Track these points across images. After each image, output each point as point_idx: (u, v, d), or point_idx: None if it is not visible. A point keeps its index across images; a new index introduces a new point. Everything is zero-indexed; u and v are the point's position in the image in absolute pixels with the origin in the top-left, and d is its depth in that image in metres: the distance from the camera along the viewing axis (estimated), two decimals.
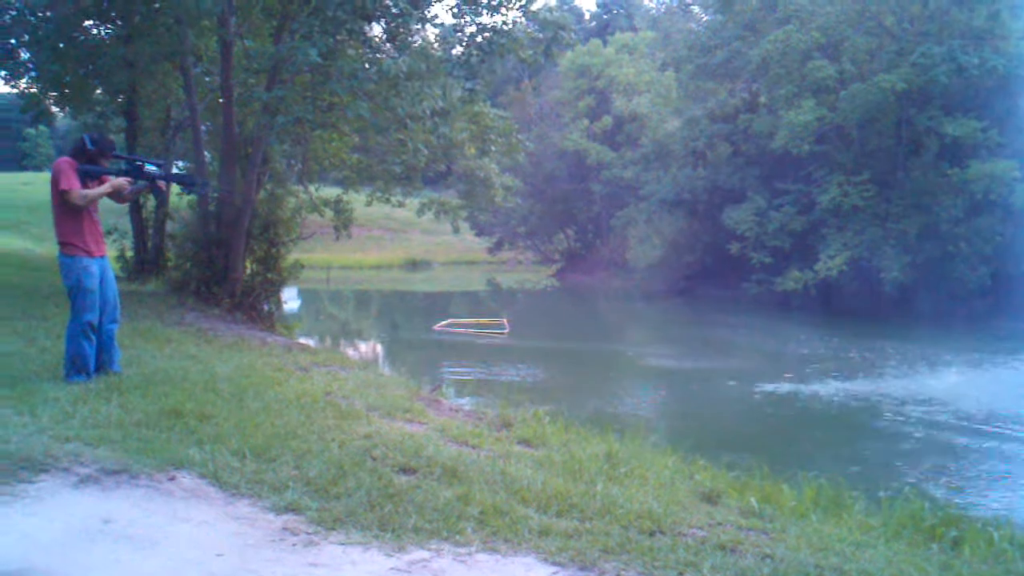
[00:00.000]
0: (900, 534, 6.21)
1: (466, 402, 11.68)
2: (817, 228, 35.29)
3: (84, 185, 7.66)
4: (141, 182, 7.98)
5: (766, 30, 37.05)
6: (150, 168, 7.97)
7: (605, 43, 58.83)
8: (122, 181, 7.86)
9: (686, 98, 44.61)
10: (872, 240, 33.11)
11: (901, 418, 16.98)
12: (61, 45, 18.68)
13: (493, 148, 20.64)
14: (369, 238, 64.75)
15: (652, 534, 5.18)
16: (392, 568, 4.37)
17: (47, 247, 34.39)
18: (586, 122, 55.16)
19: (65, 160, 7.74)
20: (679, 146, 44.23)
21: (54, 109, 24.55)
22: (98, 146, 7.86)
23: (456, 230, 32.03)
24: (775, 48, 35.19)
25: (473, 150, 20.49)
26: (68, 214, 7.68)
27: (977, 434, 15.89)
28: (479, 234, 61.68)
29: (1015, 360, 23.95)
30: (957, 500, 9.42)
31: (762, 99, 41.41)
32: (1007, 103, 31.33)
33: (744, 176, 39.93)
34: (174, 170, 16.01)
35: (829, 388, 20.00)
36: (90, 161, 7.79)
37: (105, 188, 7.78)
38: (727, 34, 39.93)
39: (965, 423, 16.55)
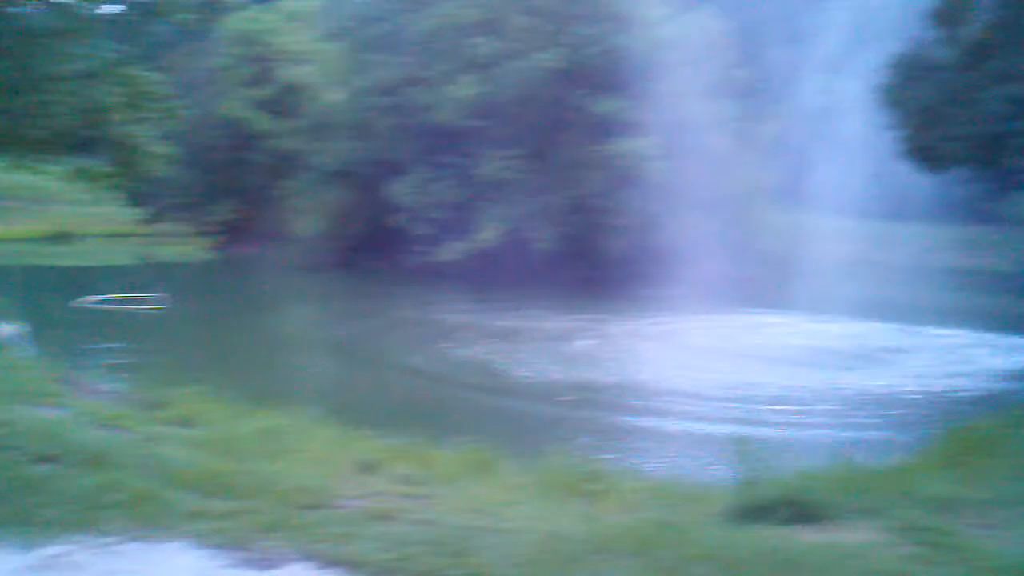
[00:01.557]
0: (548, 492, 6.62)
1: (116, 383, 11.04)
2: (475, 200, 36.54)
3: None
4: None
5: (431, 4, 37.77)
6: None
7: (270, 10, 57.22)
8: None
9: (351, 69, 44.45)
10: (526, 212, 34.86)
11: (545, 382, 18.11)
12: None
13: (148, 115, 19.50)
14: (8, 209, 59.14)
15: (310, 508, 5.22)
16: (28, 566, 4.10)
17: None
18: (248, 90, 53.49)
19: None
20: (343, 117, 44.02)
21: None
22: None
23: (106, 200, 30.03)
24: (437, 23, 36.00)
25: (125, 115, 19.23)
26: None
27: (614, 396, 17.32)
28: (134, 205, 58.17)
29: (643, 324, 26.34)
30: (598, 457, 10.15)
31: (425, 73, 42.09)
32: (647, 84, 33.98)
33: (407, 149, 40.42)
34: None
35: (479, 355, 20.89)
36: None
37: None
38: (392, 7, 40.25)
39: (603, 387, 17.96)
